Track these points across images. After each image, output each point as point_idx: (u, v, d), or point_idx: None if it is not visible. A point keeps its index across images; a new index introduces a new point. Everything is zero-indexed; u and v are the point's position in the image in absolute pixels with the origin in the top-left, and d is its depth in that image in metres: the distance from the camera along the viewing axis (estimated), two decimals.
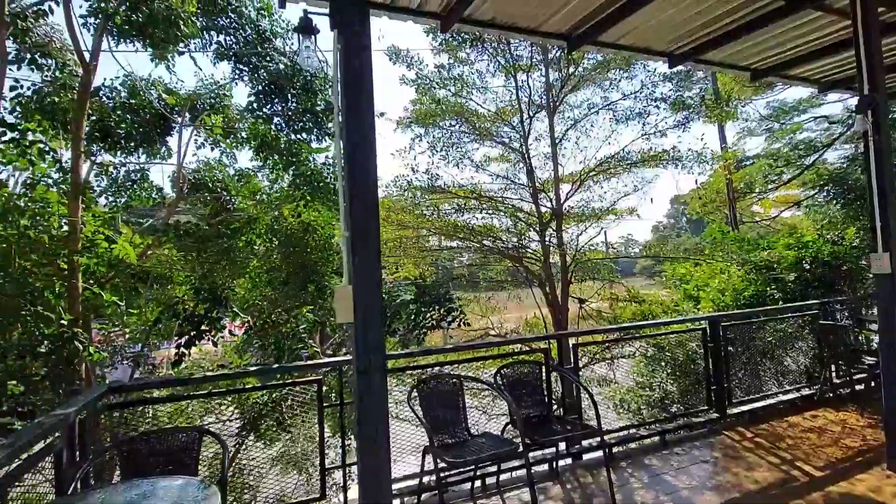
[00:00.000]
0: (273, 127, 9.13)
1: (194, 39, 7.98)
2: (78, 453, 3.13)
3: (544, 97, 10.40)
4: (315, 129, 8.95)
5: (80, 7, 6.16)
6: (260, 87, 8.89)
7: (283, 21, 9.03)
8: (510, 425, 3.83)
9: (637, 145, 10.17)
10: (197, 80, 9.57)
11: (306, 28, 2.47)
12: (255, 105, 8.88)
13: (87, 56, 5.82)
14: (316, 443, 3.58)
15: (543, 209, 10.43)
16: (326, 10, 2.41)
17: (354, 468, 3.67)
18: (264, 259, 9.43)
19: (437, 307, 6.97)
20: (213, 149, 9.95)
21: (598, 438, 3.50)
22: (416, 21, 3.40)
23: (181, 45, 7.36)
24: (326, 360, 5.08)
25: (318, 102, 8.93)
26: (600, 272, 11.03)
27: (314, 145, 9.24)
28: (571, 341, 4.88)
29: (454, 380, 3.83)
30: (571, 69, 10.10)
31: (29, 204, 4.73)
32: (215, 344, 5.62)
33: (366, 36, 2.33)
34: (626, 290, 11.42)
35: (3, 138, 4.70)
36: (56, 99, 7.19)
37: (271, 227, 9.24)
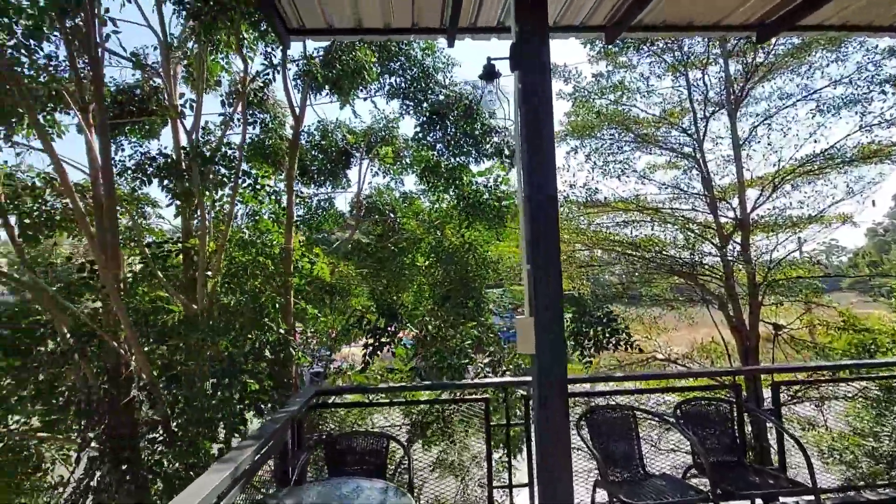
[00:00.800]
0: (435, 153, 9.88)
1: (373, 84, 9.13)
2: (296, 445, 3.78)
3: (723, 93, 9.24)
4: (473, 152, 9.42)
5: (289, 70, 7.54)
6: (424, 118, 9.72)
7: (444, 56, 9.75)
8: (694, 469, 3.46)
9: (853, 140, 8.31)
10: (371, 118, 10.92)
11: (490, 74, 2.65)
12: (420, 134, 9.73)
13: (297, 110, 7.15)
14: (473, 455, 3.72)
15: (724, 219, 9.21)
16: (503, 35, 2.51)
17: (517, 490, 3.72)
18: (428, 275, 10.19)
19: (598, 327, 6.65)
20: (384, 176, 11.21)
21: (810, 497, 2.94)
22: (578, 37, 3.37)
23: (362, 90, 8.56)
24: (494, 380, 5.26)
25: (476, 127, 9.39)
26: (800, 291, 9.25)
27: (473, 167, 9.72)
28: (768, 375, 4.20)
29: (627, 411, 3.62)
30: (759, 58, 8.79)
31: (258, 235, 5.98)
32: (394, 354, 6.27)
33: (545, 59, 2.37)
34: (836, 311, 9.35)
35: (243, 184, 6.03)
36: (272, 144, 8.94)
37: (434, 245, 9.97)
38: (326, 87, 7.86)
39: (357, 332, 7.83)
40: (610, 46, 9.39)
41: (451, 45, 3.70)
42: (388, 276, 10.14)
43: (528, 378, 4.74)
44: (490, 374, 7.06)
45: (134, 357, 4.40)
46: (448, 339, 7.23)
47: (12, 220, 4.98)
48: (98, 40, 4.66)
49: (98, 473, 4.50)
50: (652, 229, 10.15)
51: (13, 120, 6.11)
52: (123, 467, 4.14)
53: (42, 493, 5.55)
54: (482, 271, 8.83)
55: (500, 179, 8.52)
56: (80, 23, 4.57)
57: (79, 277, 5.38)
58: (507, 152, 9.37)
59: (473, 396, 4.40)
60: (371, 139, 10.57)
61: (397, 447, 3.81)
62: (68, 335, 4.58)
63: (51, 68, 5.95)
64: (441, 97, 9.79)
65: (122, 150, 7.77)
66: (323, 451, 3.84)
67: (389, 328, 5.94)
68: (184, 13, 5.95)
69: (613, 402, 3.95)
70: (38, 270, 5.14)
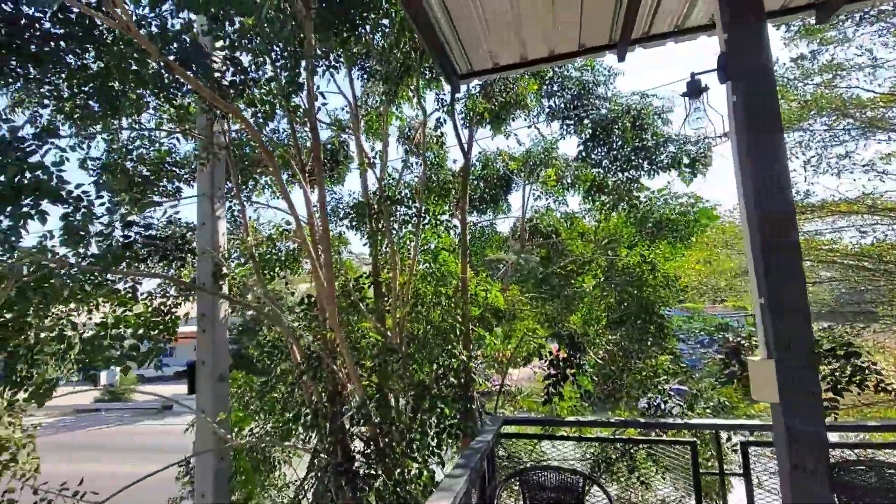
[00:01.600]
0: (601, 170, 9.47)
1: (532, 110, 9.25)
2: (490, 475, 3.85)
3: None
4: (645, 165, 8.77)
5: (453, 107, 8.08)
6: (587, 135, 9.43)
7: (604, 69, 9.38)
8: None
9: None
10: (530, 141, 11.02)
11: (696, 90, 2.44)
12: (583, 153, 9.45)
13: (465, 146, 7.64)
14: (661, 500, 3.28)
15: None
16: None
17: None
18: (598, 298, 9.68)
19: (830, 359, 5.39)
20: (546, 199, 11.12)
21: None
22: (784, 21, 2.92)
23: (524, 118, 8.74)
24: (703, 421, 4.68)
25: (647, 138, 8.75)
26: None
27: (645, 180, 9.05)
28: None
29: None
30: None
31: (438, 268, 6.47)
32: (579, 386, 6.05)
33: (766, 58, 2.09)
34: None
35: (424, 221, 6.62)
36: (442, 180, 9.64)
37: (606, 266, 9.46)
38: (489, 120, 8.21)
39: (520, 353, 7.83)
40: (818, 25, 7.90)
41: (621, 59, 3.55)
42: (556, 300, 9.94)
43: (751, 422, 4.09)
44: (686, 413, 6.30)
45: (350, 380, 5.07)
46: (634, 370, 6.71)
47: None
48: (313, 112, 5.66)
49: (321, 477, 5.25)
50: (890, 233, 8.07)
51: (252, 184, 7.75)
52: (342, 475, 4.76)
53: (280, 490, 6.73)
54: (664, 292, 8.05)
55: (680, 192, 7.74)
56: (301, 101, 5.61)
57: (302, 309, 6.47)
58: (685, 161, 8.50)
59: (677, 438, 3.96)
60: (531, 163, 10.65)
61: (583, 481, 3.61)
62: (300, 359, 5.54)
63: (276, 139, 7.47)
64: (604, 111, 9.41)
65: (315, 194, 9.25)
66: (517, 483, 3.85)
67: (572, 357, 5.76)
68: (364, 76, 6.95)
69: (870, 458, 3.17)
70: (277, 303, 6.34)
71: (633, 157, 8.97)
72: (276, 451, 7.10)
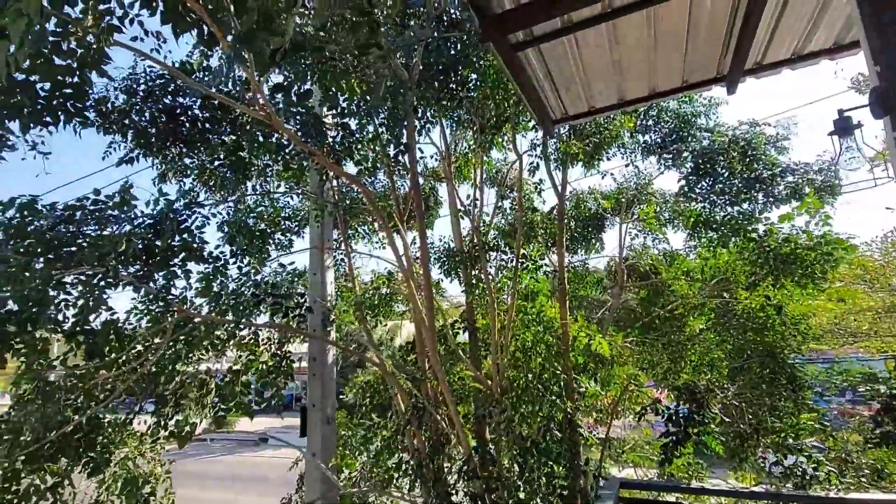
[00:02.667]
0: (707, 205, 8.84)
1: (626, 146, 8.99)
2: None
3: None
4: (760, 197, 8.03)
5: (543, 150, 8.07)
6: (688, 168, 8.91)
7: (704, 99, 8.91)
8: None
9: None
10: (622, 177, 10.62)
11: (845, 128, 2.22)
12: (685, 188, 8.91)
13: (559, 187, 7.56)
14: None
15: None
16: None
17: None
18: (712, 345, 8.80)
19: None
20: (643, 237, 10.55)
21: None
22: None
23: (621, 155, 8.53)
24: (869, 497, 3.95)
25: (758, 168, 8.06)
26: None
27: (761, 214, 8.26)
28: None
29: None
30: None
31: (536, 313, 6.32)
32: (697, 444, 5.46)
33: None
34: None
35: (522, 266, 6.57)
36: (534, 222, 9.56)
37: (718, 308, 8.64)
38: (582, 159, 8.07)
39: (627, 404, 7.22)
40: None
41: (731, 92, 3.34)
42: (662, 345, 9.20)
43: None
44: (834, 479, 5.35)
45: (454, 429, 5.02)
46: (770, 430, 5.90)
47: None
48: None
49: None
50: None
51: (351, 232, 8.22)
52: None
53: None
54: (795, 339, 7.11)
55: (809, 224, 6.91)
56: (401, 155, 5.95)
57: (401, 355, 6.63)
58: (806, 190, 7.65)
59: None
60: (626, 199, 10.23)
61: None
62: (403, 406, 5.62)
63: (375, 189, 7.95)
64: (706, 142, 8.87)
65: (414, 242, 9.59)
66: None
67: (693, 414, 5.23)
68: (454, 124, 7.22)
69: None
70: (379, 348, 6.56)
71: (744, 190, 8.28)
72: (380, 499, 7.15)
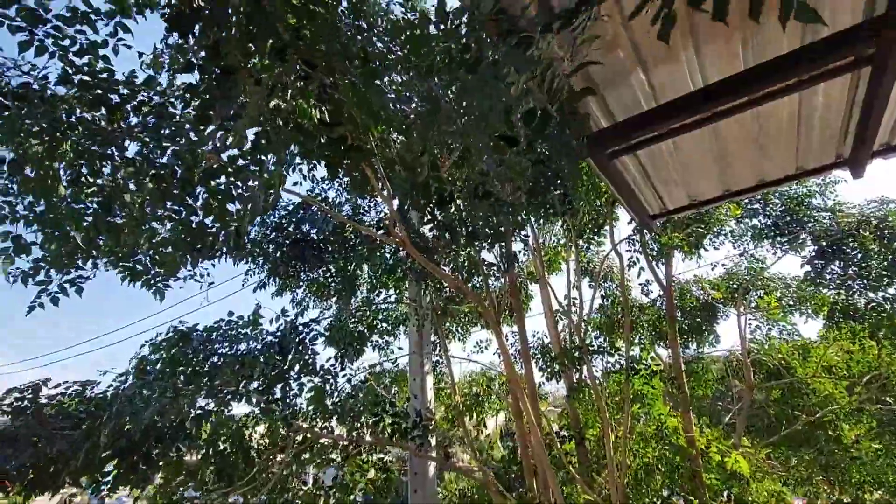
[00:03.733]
0: (842, 291, 7.79)
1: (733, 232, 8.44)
2: None
3: None
4: None
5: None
6: (811, 252, 8.06)
7: (818, 178, 8.26)
8: None
9: None
10: (730, 263, 9.81)
11: None
12: (812, 273, 7.99)
13: (662, 280, 7.16)
14: None
15: None
16: None
17: None
18: (872, 457, 7.24)
19: None
20: (769, 328, 9.42)
21: None
22: None
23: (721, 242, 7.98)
24: None
25: None
26: None
27: None
28: None
29: None
30: None
31: (661, 424, 5.66)
32: None
33: None
34: None
35: (633, 372, 6.07)
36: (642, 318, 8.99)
37: (878, 413, 7.21)
38: (685, 251, 7.66)
39: None
40: None
41: (858, 175, 3.00)
42: (807, 455, 7.72)
43: None
44: None
45: None
46: None
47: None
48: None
49: None
50: None
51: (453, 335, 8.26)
52: None
53: None
54: None
55: None
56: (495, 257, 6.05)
57: (502, 465, 6.18)
58: None
59: None
60: (740, 286, 9.35)
61: None
62: None
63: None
64: (827, 223, 8.05)
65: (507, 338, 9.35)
66: None
67: None
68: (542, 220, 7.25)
69: None
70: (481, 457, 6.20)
71: (886, 273, 7.23)
72: None
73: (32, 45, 2.40)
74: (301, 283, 7.07)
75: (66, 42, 2.46)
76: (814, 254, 8.03)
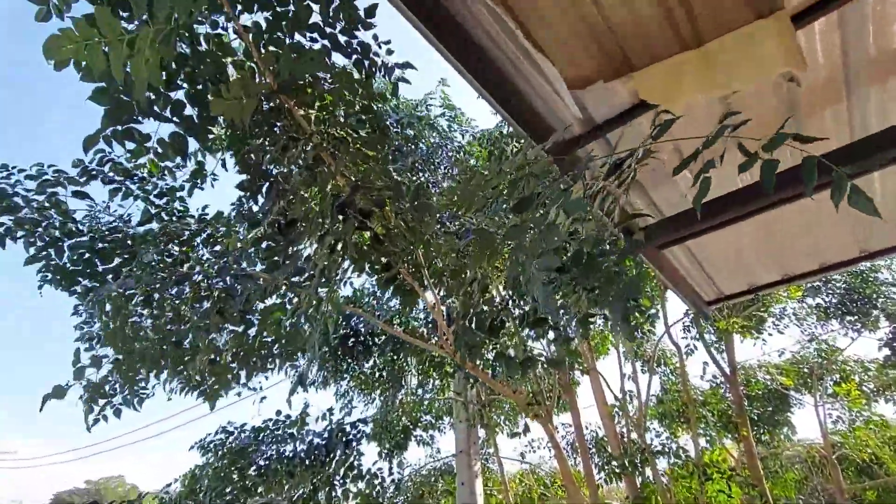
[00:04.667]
0: None
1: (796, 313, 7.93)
2: None
3: None
4: None
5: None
6: (889, 332, 7.40)
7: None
8: None
9: None
10: (799, 345, 9.09)
11: None
12: (892, 357, 7.28)
13: (726, 369, 6.69)
14: None
15: None
16: None
17: None
18: None
19: None
20: (852, 417, 8.45)
21: None
22: None
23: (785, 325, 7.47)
24: None
25: None
26: None
27: None
28: None
29: None
30: None
31: None
32: None
33: None
34: None
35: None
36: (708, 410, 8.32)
37: None
38: (746, 336, 7.20)
39: None
40: None
41: None
42: None
43: None
44: None
45: None
46: None
47: None
48: None
49: None
50: None
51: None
52: None
53: None
54: None
55: None
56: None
57: None
58: None
59: None
60: (812, 371, 8.57)
61: None
62: None
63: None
64: None
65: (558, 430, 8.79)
66: None
67: None
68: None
69: None
70: None
71: None
72: None
73: (121, 191, 2.73)
74: (346, 376, 7.05)
75: (149, 187, 2.77)
76: (891, 335, 7.37)
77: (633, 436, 6.58)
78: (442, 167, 4.81)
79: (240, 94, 1.25)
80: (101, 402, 3.47)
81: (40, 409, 2.75)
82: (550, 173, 2.08)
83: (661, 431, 7.40)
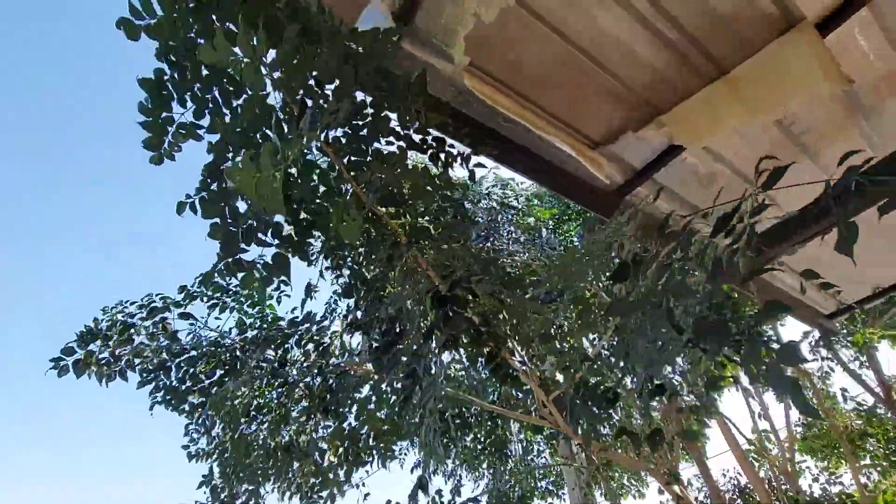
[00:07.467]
0: None
1: None
2: None
3: None
4: None
5: None
6: None
7: None
8: None
9: None
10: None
11: None
12: None
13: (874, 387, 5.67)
14: None
15: None
16: None
17: None
18: None
19: None
20: None
21: None
22: None
23: None
24: None
25: None
26: None
27: None
28: None
29: None
30: None
31: None
32: None
33: None
34: None
35: None
36: None
37: None
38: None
39: None
40: None
41: None
42: None
43: None
44: None
45: None
46: None
47: None
48: None
49: None
50: None
51: None
52: None
53: None
54: None
55: None
56: None
57: None
58: None
59: None
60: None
61: None
62: None
63: None
64: None
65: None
66: None
67: None
68: None
69: None
70: None
71: None
72: None
73: (217, 306, 2.90)
74: (451, 454, 6.74)
75: (242, 298, 2.92)
76: None
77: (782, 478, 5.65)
78: (504, 232, 4.73)
79: (349, 214, 1.28)
80: None
81: None
82: (638, 242, 1.98)
83: (818, 473, 6.25)
